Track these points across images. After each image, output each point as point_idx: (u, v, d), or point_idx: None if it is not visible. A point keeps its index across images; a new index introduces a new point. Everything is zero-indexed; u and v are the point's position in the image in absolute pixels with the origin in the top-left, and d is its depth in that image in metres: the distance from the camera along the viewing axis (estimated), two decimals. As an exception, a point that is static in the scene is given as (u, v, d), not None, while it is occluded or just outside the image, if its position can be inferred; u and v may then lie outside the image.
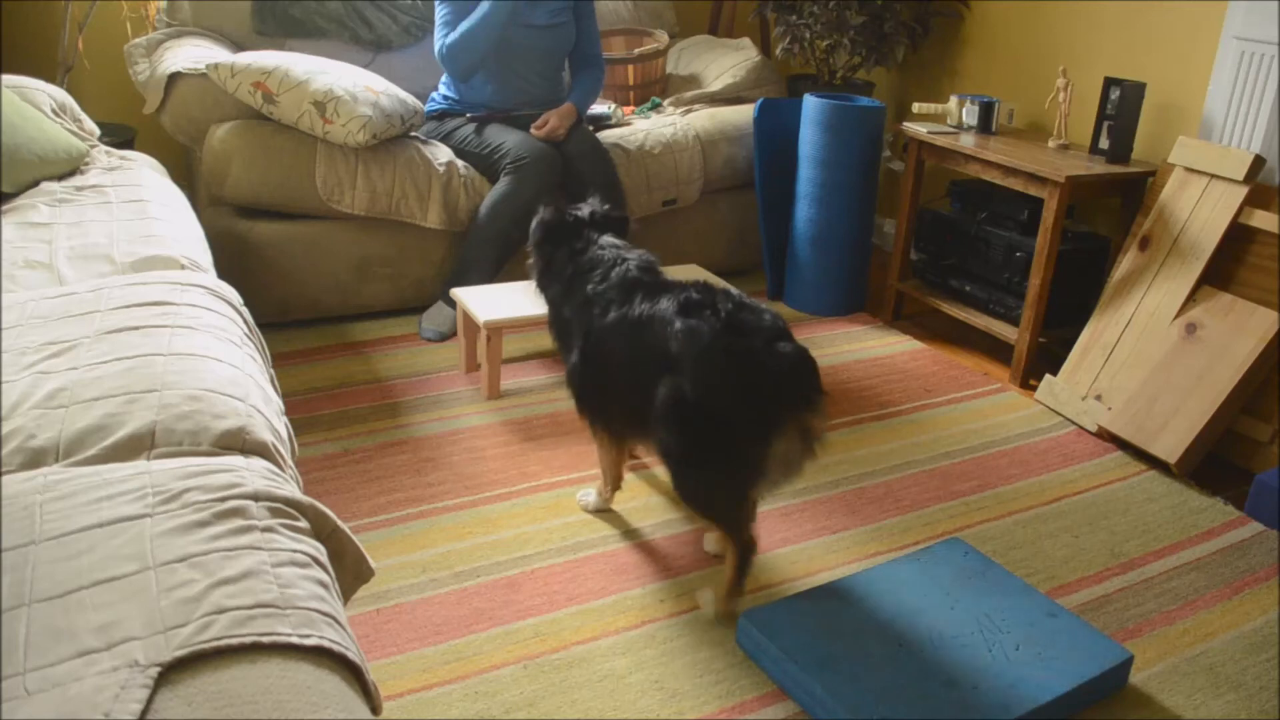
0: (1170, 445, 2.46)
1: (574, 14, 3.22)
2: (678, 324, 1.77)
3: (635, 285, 1.94)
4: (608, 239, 2.11)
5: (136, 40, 3.18)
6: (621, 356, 1.91)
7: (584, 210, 2.18)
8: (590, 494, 2.21)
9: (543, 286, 2.20)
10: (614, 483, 2.17)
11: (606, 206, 2.21)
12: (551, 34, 3.15)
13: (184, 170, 3.47)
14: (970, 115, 3.25)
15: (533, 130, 3.07)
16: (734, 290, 1.87)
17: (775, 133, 3.35)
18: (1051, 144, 3.09)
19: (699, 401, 1.73)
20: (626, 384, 1.91)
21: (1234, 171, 2.60)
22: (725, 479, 1.77)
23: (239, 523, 1.16)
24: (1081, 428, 2.70)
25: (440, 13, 3.06)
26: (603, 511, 2.19)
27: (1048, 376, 2.84)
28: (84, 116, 2.73)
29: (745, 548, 1.82)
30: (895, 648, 1.73)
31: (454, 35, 3.00)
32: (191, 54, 3.00)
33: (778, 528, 2.17)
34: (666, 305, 1.82)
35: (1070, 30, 3.30)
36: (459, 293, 2.75)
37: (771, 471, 1.75)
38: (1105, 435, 2.64)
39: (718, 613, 1.86)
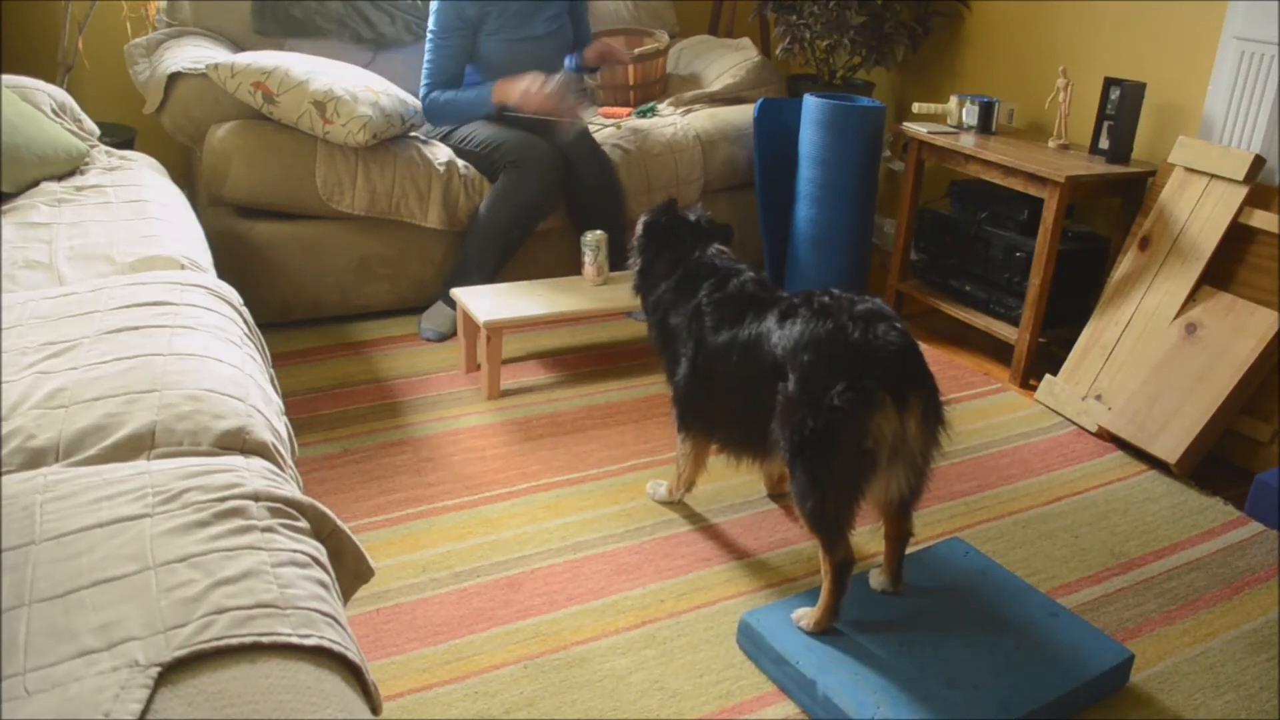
0: (1170, 445, 2.46)
1: (570, 14, 3.24)
2: (778, 333, 1.76)
3: (749, 301, 1.89)
4: (717, 247, 2.08)
5: (136, 40, 3.18)
6: (735, 379, 1.88)
7: (690, 214, 2.15)
8: (661, 487, 2.22)
9: (641, 288, 2.17)
10: (688, 486, 2.18)
11: (709, 214, 2.19)
12: (551, 41, 3.16)
13: (184, 170, 3.47)
14: (970, 115, 3.25)
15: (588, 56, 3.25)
16: (836, 290, 1.80)
17: (775, 133, 3.35)
18: (1051, 144, 3.09)
19: (800, 389, 1.68)
20: (741, 406, 1.88)
21: (1234, 171, 2.60)
22: (837, 470, 1.67)
23: (239, 523, 1.16)
24: (1081, 428, 2.70)
25: (428, 55, 3.01)
26: (669, 504, 2.22)
27: (1048, 376, 2.84)
28: (84, 116, 2.73)
29: (840, 566, 1.72)
30: (895, 648, 1.73)
31: (445, 97, 3.02)
32: (191, 54, 3.00)
33: (778, 528, 2.17)
34: (770, 319, 1.80)
35: (1070, 30, 3.30)
36: (459, 293, 2.75)
37: (882, 456, 1.65)
38: (1105, 435, 2.64)
39: (814, 624, 1.77)
